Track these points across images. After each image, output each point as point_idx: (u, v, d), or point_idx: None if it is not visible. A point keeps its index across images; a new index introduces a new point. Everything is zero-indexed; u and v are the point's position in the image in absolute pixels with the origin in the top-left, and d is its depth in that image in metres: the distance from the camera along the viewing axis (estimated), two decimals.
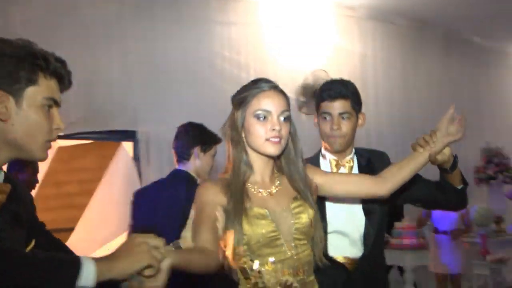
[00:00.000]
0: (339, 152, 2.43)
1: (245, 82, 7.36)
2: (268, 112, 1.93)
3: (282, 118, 1.95)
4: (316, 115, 2.52)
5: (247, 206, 1.89)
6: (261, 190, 1.98)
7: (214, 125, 6.09)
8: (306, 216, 1.94)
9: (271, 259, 1.85)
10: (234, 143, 2.02)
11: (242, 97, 2.04)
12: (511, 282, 6.83)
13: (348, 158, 2.43)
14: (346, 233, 2.37)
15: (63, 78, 1.69)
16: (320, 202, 2.24)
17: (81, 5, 5.61)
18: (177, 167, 3.96)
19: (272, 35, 6.92)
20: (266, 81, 2.05)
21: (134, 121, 5.89)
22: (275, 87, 2.01)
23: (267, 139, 1.91)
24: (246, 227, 1.84)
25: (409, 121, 7.69)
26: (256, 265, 1.86)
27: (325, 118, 2.44)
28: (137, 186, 5.72)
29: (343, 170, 2.42)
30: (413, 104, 7.97)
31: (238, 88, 7.56)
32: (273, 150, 1.92)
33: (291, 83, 6.71)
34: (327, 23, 7.35)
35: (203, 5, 6.44)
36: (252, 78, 7.21)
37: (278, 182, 2.03)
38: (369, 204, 2.34)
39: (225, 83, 6.41)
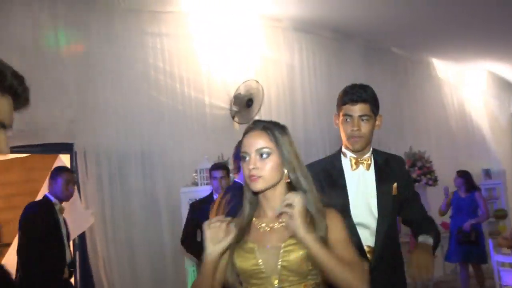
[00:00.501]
0: (359, 151, 2.62)
1: (179, 93, 7.57)
2: (247, 153, 2.03)
3: (259, 156, 2.02)
4: (337, 117, 2.68)
5: (244, 239, 2.03)
6: (263, 225, 2.07)
7: (149, 135, 6.31)
8: (295, 255, 1.97)
9: None
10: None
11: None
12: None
13: (366, 156, 2.64)
14: (367, 225, 2.60)
15: (19, 96, 1.52)
16: (344, 198, 2.53)
17: (15, 17, 5.60)
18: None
19: (203, 46, 7.07)
20: (255, 122, 2.14)
21: (71, 133, 5.92)
22: (259, 128, 2.07)
23: (249, 177, 2.02)
24: (237, 259, 2.01)
25: (335, 128, 8.03)
26: None
27: (346, 120, 2.61)
28: (76, 197, 5.77)
29: (362, 167, 2.62)
30: None
31: (173, 99, 7.74)
32: (253, 186, 2.01)
33: (224, 94, 7.04)
34: (255, 35, 7.58)
35: (135, 17, 6.50)
36: (186, 89, 7.39)
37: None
38: (382, 200, 2.58)
39: (160, 94, 6.56)
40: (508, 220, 9.58)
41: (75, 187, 5.68)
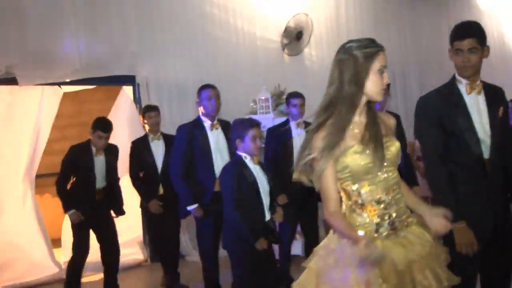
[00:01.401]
0: (469, 77, 3.01)
1: (233, 27, 7.88)
2: (385, 66, 2.27)
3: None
4: (451, 50, 3.03)
5: (350, 143, 2.25)
6: (356, 131, 2.29)
7: (205, 67, 6.61)
8: (394, 147, 2.31)
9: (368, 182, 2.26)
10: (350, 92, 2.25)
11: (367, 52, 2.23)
12: None
13: (478, 83, 3.03)
14: (483, 140, 3.00)
15: None
16: (467, 116, 2.97)
17: None
18: None
19: None
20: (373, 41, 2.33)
21: (133, 66, 6.29)
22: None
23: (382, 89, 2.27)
24: (348, 159, 2.24)
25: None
26: (355, 186, 2.28)
27: (457, 53, 2.99)
28: (139, 126, 6.16)
29: (474, 92, 3.02)
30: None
31: (228, 33, 8.01)
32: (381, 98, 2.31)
33: (275, 27, 7.27)
34: None
35: None
36: (239, 23, 7.65)
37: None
38: (493, 119, 2.99)
39: (215, 28, 6.84)
40: None
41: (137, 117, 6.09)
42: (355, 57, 2.20)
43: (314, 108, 2.33)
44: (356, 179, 2.25)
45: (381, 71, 2.23)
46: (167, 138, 5.35)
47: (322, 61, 7.72)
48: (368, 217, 2.25)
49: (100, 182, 5.00)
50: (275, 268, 4.12)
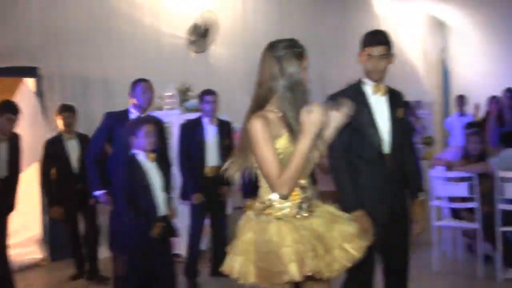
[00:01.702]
0: (377, 81, 3.29)
1: (139, 21, 7.93)
2: None
3: None
4: (362, 53, 3.27)
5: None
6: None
7: (111, 62, 6.60)
8: None
9: None
10: None
11: None
12: None
13: (382, 86, 3.30)
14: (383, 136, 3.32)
15: None
16: (371, 114, 3.27)
17: None
18: None
19: None
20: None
21: (36, 58, 6.18)
22: None
23: None
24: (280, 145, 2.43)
25: None
26: None
27: (369, 58, 3.25)
28: (40, 119, 6.06)
29: (378, 94, 3.30)
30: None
31: (134, 27, 7.97)
32: None
33: (182, 23, 7.34)
34: None
35: None
36: (146, 17, 7.71)
37: None
38: (393, 119, 3.31)
39: (120, 22, 6.85)
40: (434, 146, 10.51)
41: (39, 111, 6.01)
42: (292, 54, 2.40)
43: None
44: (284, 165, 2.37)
45: (305, 68, 2.45)
46: (81, 138, 5.42)
47: (227, 58, 7.92)
48: (291, 201, 2.42)
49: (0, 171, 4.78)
50: (169, 261, 4.22)
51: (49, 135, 5.85)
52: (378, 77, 3.28)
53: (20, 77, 6.29)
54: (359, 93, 3.31)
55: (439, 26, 12.96)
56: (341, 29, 9.96)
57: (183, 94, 6.42)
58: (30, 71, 6.21)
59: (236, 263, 2.39)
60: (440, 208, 5.70)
